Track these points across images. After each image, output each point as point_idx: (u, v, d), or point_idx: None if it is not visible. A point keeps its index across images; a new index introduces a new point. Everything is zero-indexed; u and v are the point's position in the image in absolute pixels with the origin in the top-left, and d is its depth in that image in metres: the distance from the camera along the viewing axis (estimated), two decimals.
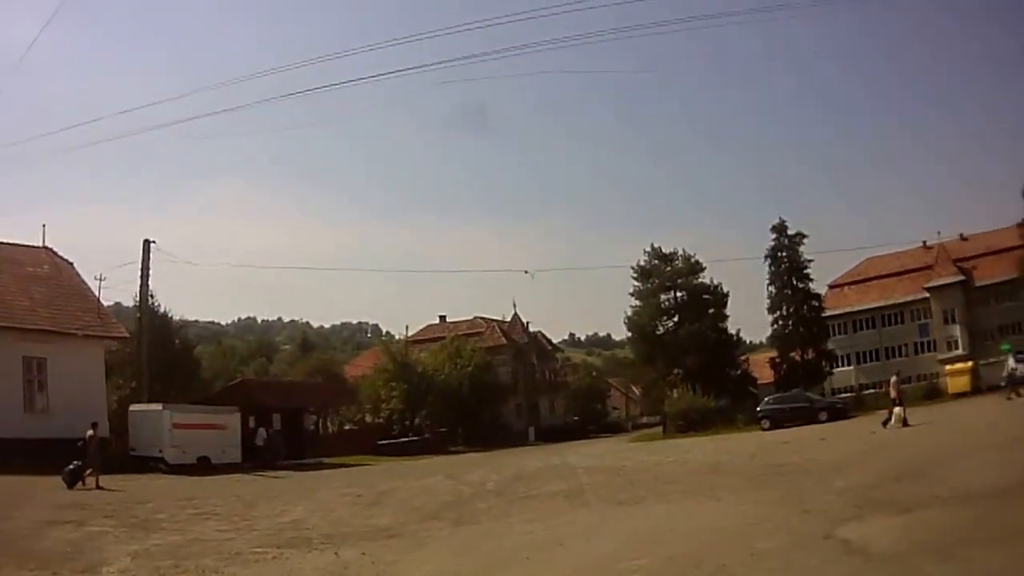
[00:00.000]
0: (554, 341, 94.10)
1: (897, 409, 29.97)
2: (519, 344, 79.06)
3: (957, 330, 68.76)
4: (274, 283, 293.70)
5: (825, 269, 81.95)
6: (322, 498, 21.95)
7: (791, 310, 63.62)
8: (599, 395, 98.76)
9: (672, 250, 64.52)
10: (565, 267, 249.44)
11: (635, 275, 64.22)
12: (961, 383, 46.26)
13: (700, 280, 63.81)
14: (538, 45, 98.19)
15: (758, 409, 45.12)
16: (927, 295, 70.67)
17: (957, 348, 66.73)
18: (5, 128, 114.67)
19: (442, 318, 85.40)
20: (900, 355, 71.14)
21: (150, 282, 41.06)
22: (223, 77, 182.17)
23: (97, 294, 36.58)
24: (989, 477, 13.43)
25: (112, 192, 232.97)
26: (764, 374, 65.71)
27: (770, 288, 64.65)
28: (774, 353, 65.69)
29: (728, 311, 63.72)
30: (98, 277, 37.17)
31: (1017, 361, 41.63)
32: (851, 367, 72.32)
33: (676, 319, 63.16)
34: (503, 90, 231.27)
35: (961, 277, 69.19)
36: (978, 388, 45.75)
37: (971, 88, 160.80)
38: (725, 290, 63.77)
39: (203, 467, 32.84)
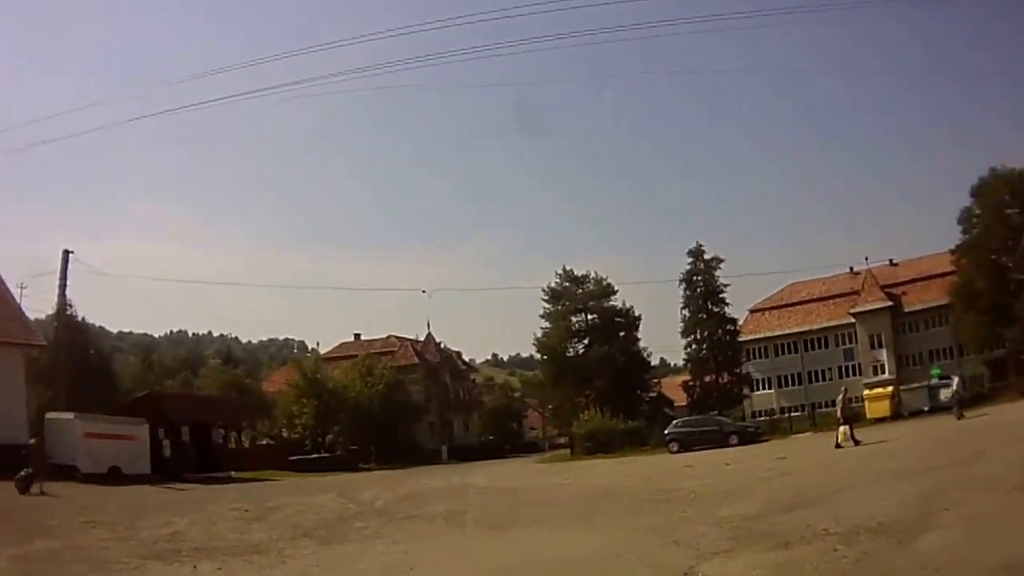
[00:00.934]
0: (477, 361, 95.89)
1: (842, 428, 29.56)
2: (431, 363, 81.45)
3: (884, 354, 69.49)
4: (205, 298, 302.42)
5: (750, 295, 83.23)
6: (210, 511, 22.26)
7: (705, 334, 65.62)
8: (515, 415, 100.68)
9: (584, 272, 66.64)
10: (477, 288, 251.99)
11: (546, 297, 66.09)
12: (880, 408, 45.89)
13: (611, 303, 65.56)
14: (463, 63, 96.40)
15: (666, 432, 45.20)
16: (852, 320, 71.58)
17: (884, 373, 67.22)
18: None
19: (357, 336, 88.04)
20: (824, 379, 71.76)
21: (68, 292, 42.82)
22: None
23: (18, 302, 38.35)
24: (886, 509, 12.38)
25: (32, 200, 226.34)
26: (681, 397, 66.83)
27: (684, 312, 66.81)
28: (688, 376, 67.18)
29: (641, 334, 66.18)
30: (20, 285, 40.04)
31: (943, 385, 42.31)
32: (772, 390, 73.24)
33: (587, 341, 64.77)
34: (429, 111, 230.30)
35: (889, 303, 70.17)
36: (899, 414, 45.45)
37: (903, 113, 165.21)
38: (637, 313, 65.89)
39: (114, 477, 33.53)
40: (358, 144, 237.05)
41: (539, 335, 65.62)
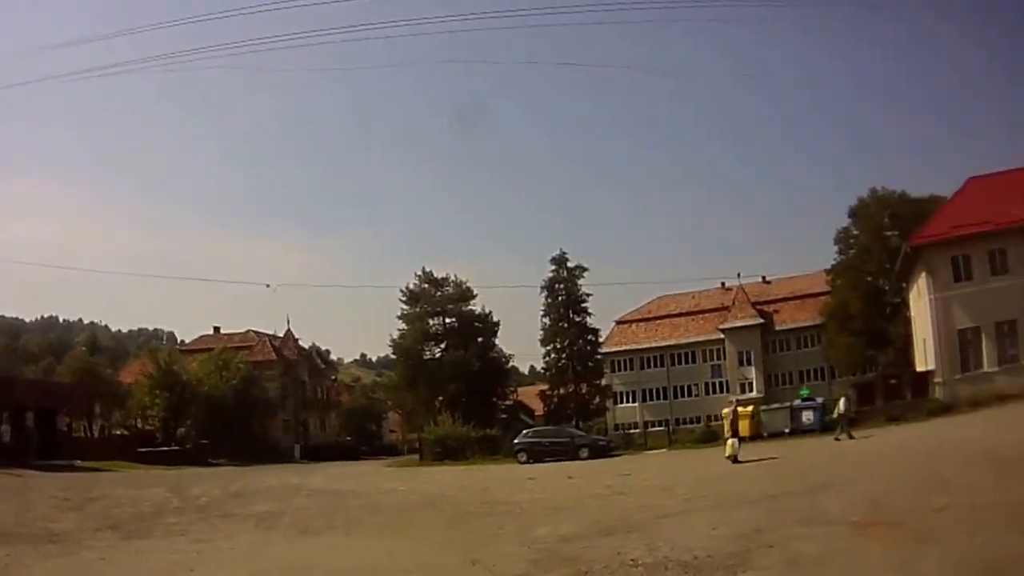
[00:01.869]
0: (345, 361, 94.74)
1: (731, 440, 29.33)
2: (289, 359, 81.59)
3: (752, 372, 70.73)
4: (77, 283, 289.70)
5: (621, 308, 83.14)
6: (30, 498, 22.84)
7: (566, 343, 65.86)
8: (375, 416, 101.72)
9: (444, 275, 66.91)
10: (333, 284, 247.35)
11: (404, 298, 66.27)
12: (740, 428, 45.99)
13: (470, 308, 66.23)
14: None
15: (515, 442, 45.14)
16: (722, 336, 72.62)
17: (751, 391, 68.33)
18: None
19: (216, 329, 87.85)
20: (690, 394, 73.01)
21: None
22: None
23: None
24: (709, 541, 11.90)
25: None
26: (541, 406, 66.85)
27: (544, 320, 67.05)
28: (546, 386, 67.53)
29: (501, 341, 66.65)
30: None
31: (807, 407, 42.81)
32: (635, 404, 73.69)
33: (443, 345, 65.27)
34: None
35: (760, 320, 71.44)
36: (759, 434, 45.62)
37: (783, 133, 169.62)
38: (496, 319, 66.24)
39: None
40: (232, 125, 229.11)
41: (395, 336, 65.93)
